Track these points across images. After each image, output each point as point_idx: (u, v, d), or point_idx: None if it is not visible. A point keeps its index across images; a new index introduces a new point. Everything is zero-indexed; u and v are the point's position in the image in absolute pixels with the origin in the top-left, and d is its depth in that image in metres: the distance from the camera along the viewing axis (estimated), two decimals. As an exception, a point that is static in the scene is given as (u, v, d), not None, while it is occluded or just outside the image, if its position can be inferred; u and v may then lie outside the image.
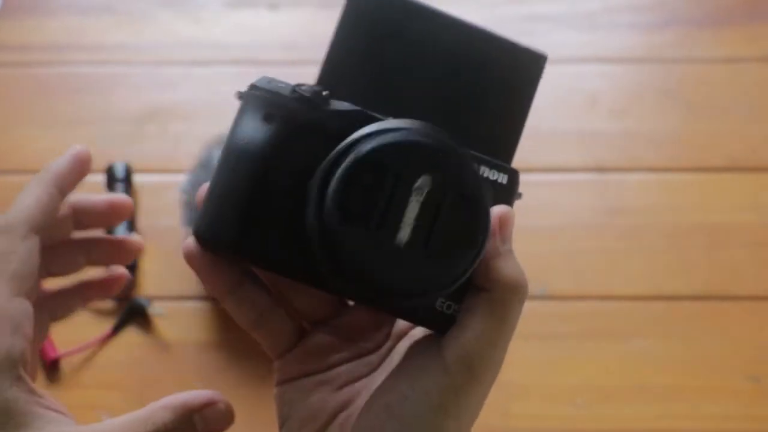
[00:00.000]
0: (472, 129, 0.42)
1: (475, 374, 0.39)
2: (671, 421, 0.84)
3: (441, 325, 0.40)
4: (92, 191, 0.96)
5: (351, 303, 0.46)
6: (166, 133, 1.01)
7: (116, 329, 0.87)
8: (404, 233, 0.36)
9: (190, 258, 0.41)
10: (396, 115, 0.38)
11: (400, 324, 0.45)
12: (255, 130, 0.39)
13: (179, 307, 0.89)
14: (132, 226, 0.93)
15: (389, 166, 0.36)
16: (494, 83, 0.42)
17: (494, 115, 0.42)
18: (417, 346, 0.41)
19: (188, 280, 0.90)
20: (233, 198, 0.38)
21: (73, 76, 1.06)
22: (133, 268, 0.91)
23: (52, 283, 0.52)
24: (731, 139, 1.00)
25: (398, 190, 0.36)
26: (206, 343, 0.88)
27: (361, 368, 0.44)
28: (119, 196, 0.51)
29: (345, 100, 0.39)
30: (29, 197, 0.43)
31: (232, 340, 0.88)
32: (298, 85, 0.40)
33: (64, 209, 0.47)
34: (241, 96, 0.41)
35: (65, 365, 0.86)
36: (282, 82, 0.41)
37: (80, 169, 0.46)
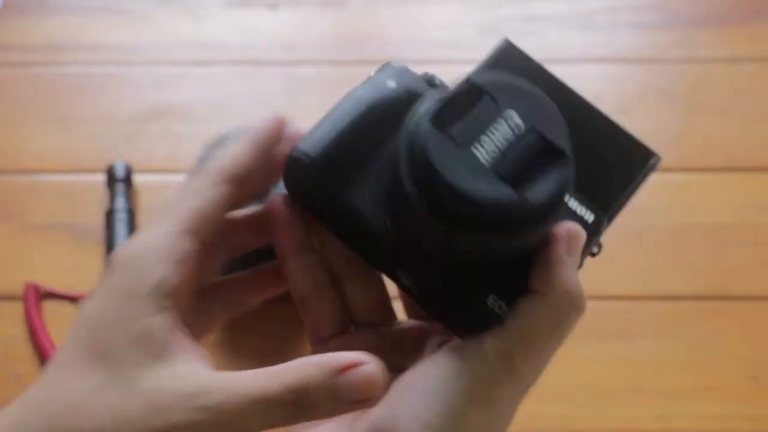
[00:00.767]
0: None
1: (515, 371, 0.37)
2: (671, 421, 0.84)
3: (489, 326, 0.39)
4: (92, 191, 0.97)
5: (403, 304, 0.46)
6: (166, 133, 1.01)
7: (116, 329, 0.87)
8: (487, 155, 0.36)
9: (276, 207, 0.40)
10: None
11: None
12: (380, 90, 0.42)
13: (179, 307, 0.89)
14: (132, 227, 0.93)
15: (488, 92, 0.37)
16: (604, 168, 0.43)
17: (595, 191, 0.42)
18: (458, 342, 0.40)
19: (188, 280, 0.90)
20: (344, 152, 0.40)
21: (73, 76, 1.06)
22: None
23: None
24: (731, 139, 1.00)
25: (489, 114, 0.37)
26: (206, 343, 0.88)
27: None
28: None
29: None
30: (227, 149, 0.42)
31: (232, 339, 0.88)
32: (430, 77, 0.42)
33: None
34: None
35: (65, 365, 0.86)
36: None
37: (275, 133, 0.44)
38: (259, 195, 0.43)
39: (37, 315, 0.88)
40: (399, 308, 0.48)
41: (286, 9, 1.11)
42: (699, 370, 0.86)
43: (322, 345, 0.44)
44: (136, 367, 0.35)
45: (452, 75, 1.06)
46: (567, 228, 0.40)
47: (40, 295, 0.89)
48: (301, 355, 0.44)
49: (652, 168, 0.42)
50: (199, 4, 1.12)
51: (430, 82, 0.42)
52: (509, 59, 0.43)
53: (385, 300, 0.45)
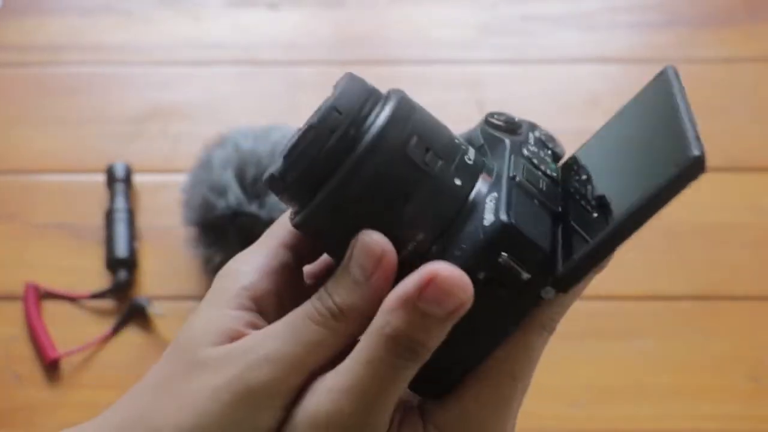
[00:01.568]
0: None
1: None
2: (671, 421, 0.84)
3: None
4: (92, 191, 0.97)
5: None
6: (166, 133, 1.01)
7: (116, 329, 0.87)
8: None
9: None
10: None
11: None
12: None
13: (179, 307, 0.89)
14: (132, 227, 0.93)
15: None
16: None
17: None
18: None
19: (188, 280, 0.90)
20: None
21: (73, 76, 1.06)
22: (130, 267, 0.91)
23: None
24: (731, 139, 1.00)
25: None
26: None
27: None
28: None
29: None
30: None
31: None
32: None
33: None
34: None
35: (65, 365, 0.86)
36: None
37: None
38: None
39: (37, 315, 0.88)
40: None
41: (287, 9, 1.11)
42: (699, 370, 0.86)
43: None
44: (207, 352, 0.36)
45: (452, 75, 1.06)
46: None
47: (40, 295, 0.89)
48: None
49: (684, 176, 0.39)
50: (200, 5, 1.12)
51: (510, 126, 0.45)
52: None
53: None
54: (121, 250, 0.90)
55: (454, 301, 0.33)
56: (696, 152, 0.37)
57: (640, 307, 0.89)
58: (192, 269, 0.90)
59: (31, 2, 1.12)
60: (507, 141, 0.43)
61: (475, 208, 0.37)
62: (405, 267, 0.35)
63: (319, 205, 0.36)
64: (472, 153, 0.41)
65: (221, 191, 0.84)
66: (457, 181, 0.38)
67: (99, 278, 0.90)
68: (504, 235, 0.35)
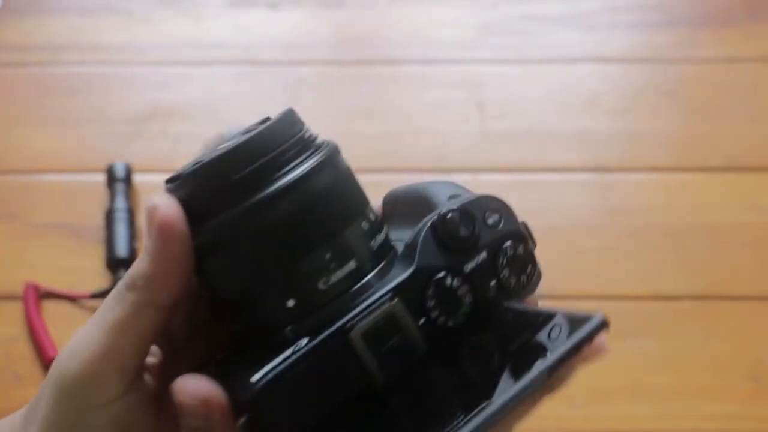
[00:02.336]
0: None
1: None
2: (671, 421, 0.84)
3: None
4: (92, 191, 0.97)
5: None
6: (166, 133, 1.01)
7: (116, 329, 0.87)
8: None
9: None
10: None
11: None
12: None
13: (179, 307, 0.89)
14: (132, 226, 0.93)
15: None
16: None
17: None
18: None
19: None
20: None
21: (73, 76, 1.06)
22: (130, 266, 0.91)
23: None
24: (731, 139, 1.00)
25: None
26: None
27: None
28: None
29: None
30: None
31: (232, 340, 0.88)
32: None
33: None
34: None
35: (65, 365, 0.85)
36: None
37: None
38: None
39: (37, 315, 0.88)
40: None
41: (287, 9, 1.11)
42: (699, 370, 0.86)
43: None
44: None
45: (452, 75, 1.06)
46: None
47: (40, 295, 0.89)
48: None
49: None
50: (200, 5, 1.12)
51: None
52: None
53: None
54: (122, 250, 0.90)
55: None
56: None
57: (640, 307, 0.89)
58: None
59: (31, 2, 1.12)
60: (408, 271, 0.37)
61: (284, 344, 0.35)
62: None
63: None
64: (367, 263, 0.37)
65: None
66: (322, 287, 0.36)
67: (99, 278, 0.90)
68: (246, 408, 0.34)
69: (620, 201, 0.96)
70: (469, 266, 0.37)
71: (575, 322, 0.35)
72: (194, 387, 0.35)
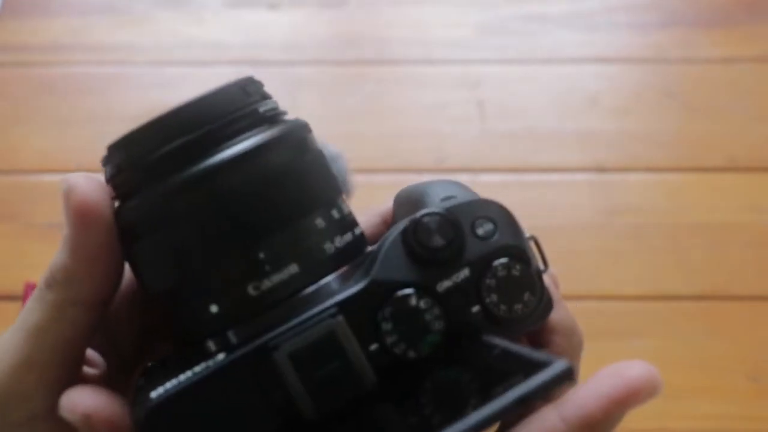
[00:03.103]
0: None
1: None
2: (670, 420, 0.84)
3: None
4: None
5: None
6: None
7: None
8: None
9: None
10: None
11: None
12: None
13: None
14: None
15: None
16: None
17: None
18: None
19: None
20: None
21: (74, 76, 1.06)
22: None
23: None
24: (731, 139, 1.00)
25: None
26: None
27: None
28: None
29: None
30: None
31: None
32: None
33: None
34: None
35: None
36: None
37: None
38: None
39: (37, 315, 0.87)
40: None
41: (286, 9, 1.11)
42: (699, 370, 0.86)
43: None
44: None
45: (452, 75, 1.06)
46: None
47: (41, 295, 0.89)
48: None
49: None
50: (200, 5, 1.12)
51: None
52: None
53: None
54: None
55: None
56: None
57: (640, 307, 0.89)
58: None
59: (31, 3, 1.12)
60: (362, 284, 0.29)
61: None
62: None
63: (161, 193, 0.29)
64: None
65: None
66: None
67: (99, 278, 0.90)
68: (138, 427, 0.28)
69: (620, 201, 0.96)
70: (443, 285, 0.30)
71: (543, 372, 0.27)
72: (75, 401, 0.29)
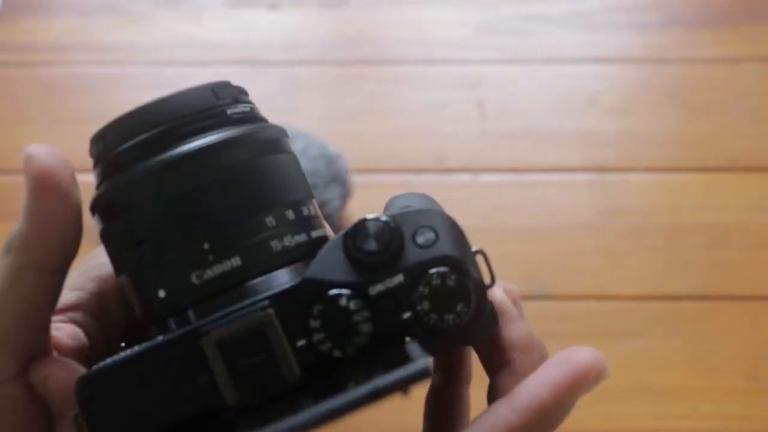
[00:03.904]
0: None
1: None
2: (671, 421, 0.84)
3: None
4: (92, 191, 0.96)
5: None
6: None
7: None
8: None
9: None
10: None
11: None
12: None
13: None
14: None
15: None
16: None
17: None
18: None
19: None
20: None
21: (74, 76, 1.06)
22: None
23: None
24: (731, 139, 1.00)
25: None
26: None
27: None
28: None
29: None
30: None
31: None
32: None
33: None
34: None
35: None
36: None
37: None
38: None
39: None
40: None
41: (286, 9, 1.11)
42: (699, 370, 0.86)
43: None
44: None
45: (452, 75, 1.06)
46: None
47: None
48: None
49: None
50: (200, 5, 1.12)
51: None
52: None
53: None
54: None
55: None
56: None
57: (640, 307, 0.89)
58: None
59: (31, 3, 1.12)
60: (296, 280, 0.30)
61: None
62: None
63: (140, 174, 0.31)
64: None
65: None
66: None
67: (99, 278, 0.90)
68: (77, 398, 0.30)
69: (620, 201, 0.96)
70: (376, 288, 0.30)
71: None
72: (40, 365, 0.31)
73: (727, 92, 1.03)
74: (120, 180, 0.32)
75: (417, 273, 0.30)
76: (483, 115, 1.02)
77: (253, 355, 0.30)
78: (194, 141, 0.31)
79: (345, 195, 0.90)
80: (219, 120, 0.32)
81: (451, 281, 0.30)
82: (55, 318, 0.33)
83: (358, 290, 0.30)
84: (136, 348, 0.30)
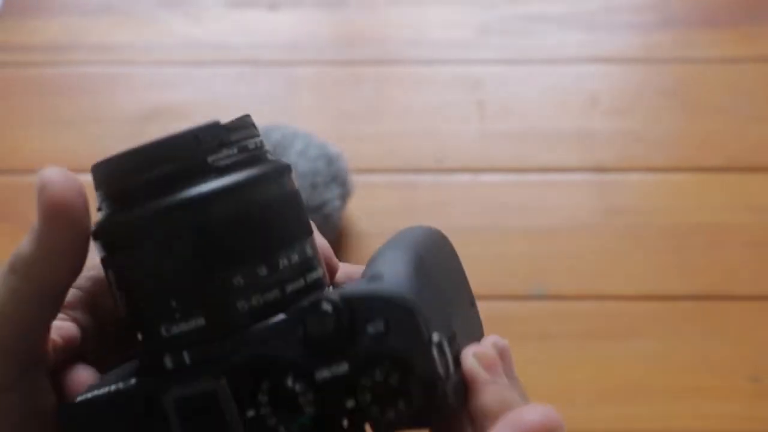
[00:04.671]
0: None
1: None
2: (671, 421, 0.84)
3: None
4: (92, 191, 0.97)
5: None
6: (166, 133, 1.01)
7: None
8: None
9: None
10: None
11: None
12: None
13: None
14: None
15: None
16: None
17: None
18: None
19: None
20: None
21: (74, 76, 1.06)
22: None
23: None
24: (730, 139, 1.00)
25: None
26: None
27: None
28: None
29: None
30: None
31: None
32: None
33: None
34: None
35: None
36: None
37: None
38: None
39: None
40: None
41: (286, 9, 1.11)
42: (699, 370, 0.86)
43: None
44: None
45: (452, 75, 1.06)
46: None
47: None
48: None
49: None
50: (200, 5, 1.12)
51: None
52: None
53: None
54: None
55: None
56: None
57: (640, 307, 0.89)
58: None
59: (31, 3, 1.12)
60: (246, 354, 0.31)
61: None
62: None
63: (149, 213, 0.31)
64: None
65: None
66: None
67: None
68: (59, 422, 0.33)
69: (620, 201, 0.96)
70: (322, 374, 0.30)
71: None
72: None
73: (726, 92, 1.03)
74: (116, 219, 0.32)
75: (361, 365, 0.30)
76: (483, 115, 1.02)
77: (206, 419, 0.31)
78: (168, 195, 0.31)
79: (345, 195, 0.90)
80: (197, 171, 0.31)
81: (393, 380, 0.30)
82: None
83: (305, 372, 0.30)
84: (113, 387, 0.32)
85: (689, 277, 0.91)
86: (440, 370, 0.30)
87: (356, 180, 0.92)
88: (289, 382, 0.30)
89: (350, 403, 0.30)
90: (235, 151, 0.32)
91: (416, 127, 1.02)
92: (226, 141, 0.32)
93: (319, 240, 0.36)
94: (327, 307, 0.30)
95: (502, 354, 0.34)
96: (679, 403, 0.84)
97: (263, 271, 0.31)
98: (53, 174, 0.31)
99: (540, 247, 0.92)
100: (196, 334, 0.31)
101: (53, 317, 0.33)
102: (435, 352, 0.30)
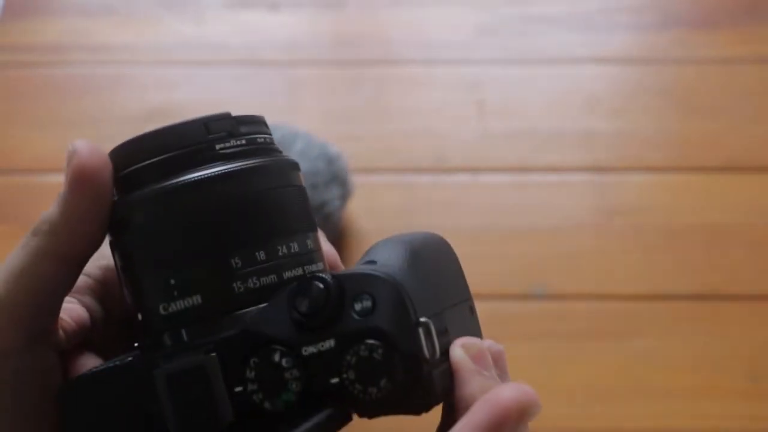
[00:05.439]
0: None
1: None
2: (671, 420, 0.84)
3: None
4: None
5: None
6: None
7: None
8: None
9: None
10: None
11: None
12: None
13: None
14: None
15: None
16: None
17: None
18: None
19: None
20: None
21: (74, 76, 1.06)
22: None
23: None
24: (730, 139, 1.00)
25: None
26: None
27: None
28: None
29: None
30: None
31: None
32: None
33: None
34: None
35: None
36: None
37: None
38: None
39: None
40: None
41: (286, 9, 1.12)
42: (699, 370, 0.86)
43: None
44: None
45: (452, 75, 1.06)
46: None
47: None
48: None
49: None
50: (200, 5, 1.12)
51: None
52: None
53: None
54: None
55: None
56: None
57: (639, 306, 0.89)
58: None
59: (32, 3, 1.12)
60: (234, 330, 0.32)
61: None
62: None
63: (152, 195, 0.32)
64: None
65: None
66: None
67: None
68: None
69: (620, 201, 0.96)
70: (308, 350, 0.31)
71: None
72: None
73: (725, 92, 1.03)
74: (122, 201, 0.33)
75: (347, 341, 0.31)
76: (483, 115, 1.02)
77: (194, 393, 0.31)
78: (173, 178, 0.32)
79: (345, 195, 0.90)
80: (203, 156, 0.32)
81: (377, 355, 0.30)
82: (65, 298, 0.35)
83: (293, 348, 0.31)
84: (110, 363, 0.33)
85: (689, 277, 0.91)
86: (425, 351, 0.31)
87: (356, 180, 0.92)
88: (276, 358, 0.31)
89: (334, 380, 0.31)
90: (243, 142, 0.33)
91: (416, 127, 1.02)
92: (235, 132, 0.33)
93: (326, 247, 0.37)
94: (317, 283, 0.31)
95: (497, 358, 0.34)
96: (678, 402, 0.84)
97: (261, 255, 0.32)
98: (82, 144, 0.33)
99: (540, 247, 0.92)
100: (193, 312, 0.32)
101: (66, 288, 0.34)
102: (421, 331, 0.31)
